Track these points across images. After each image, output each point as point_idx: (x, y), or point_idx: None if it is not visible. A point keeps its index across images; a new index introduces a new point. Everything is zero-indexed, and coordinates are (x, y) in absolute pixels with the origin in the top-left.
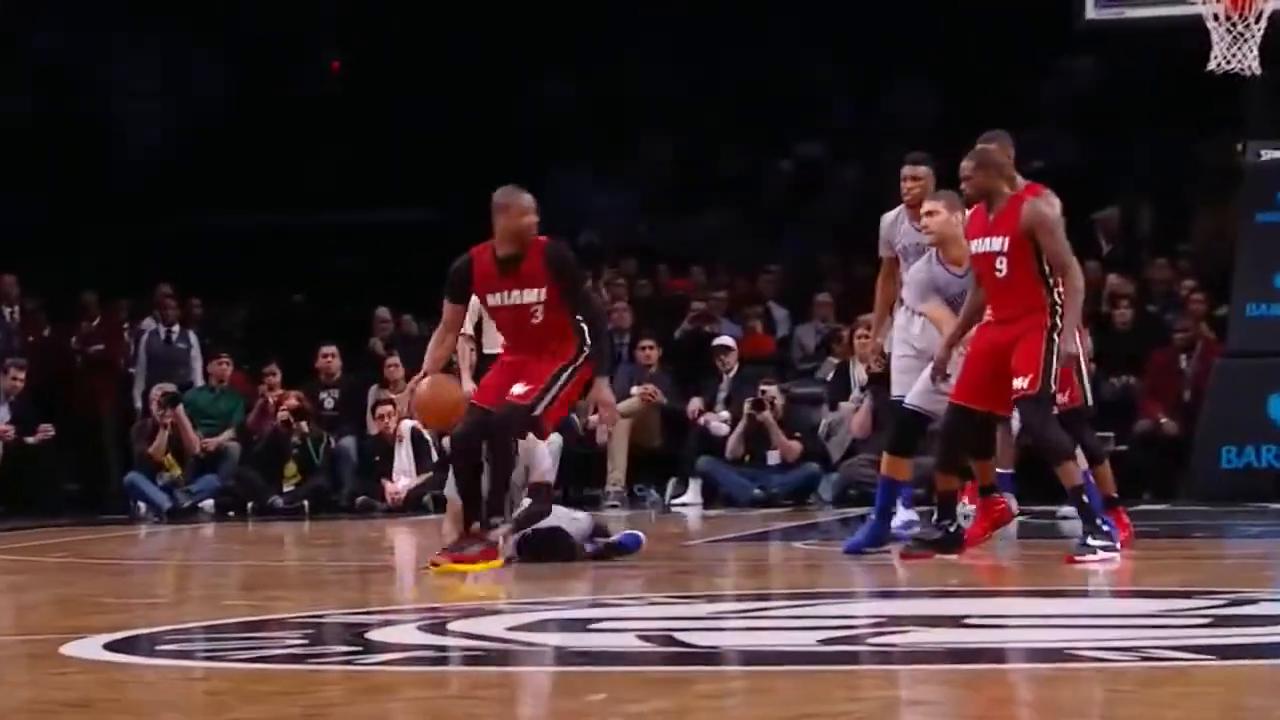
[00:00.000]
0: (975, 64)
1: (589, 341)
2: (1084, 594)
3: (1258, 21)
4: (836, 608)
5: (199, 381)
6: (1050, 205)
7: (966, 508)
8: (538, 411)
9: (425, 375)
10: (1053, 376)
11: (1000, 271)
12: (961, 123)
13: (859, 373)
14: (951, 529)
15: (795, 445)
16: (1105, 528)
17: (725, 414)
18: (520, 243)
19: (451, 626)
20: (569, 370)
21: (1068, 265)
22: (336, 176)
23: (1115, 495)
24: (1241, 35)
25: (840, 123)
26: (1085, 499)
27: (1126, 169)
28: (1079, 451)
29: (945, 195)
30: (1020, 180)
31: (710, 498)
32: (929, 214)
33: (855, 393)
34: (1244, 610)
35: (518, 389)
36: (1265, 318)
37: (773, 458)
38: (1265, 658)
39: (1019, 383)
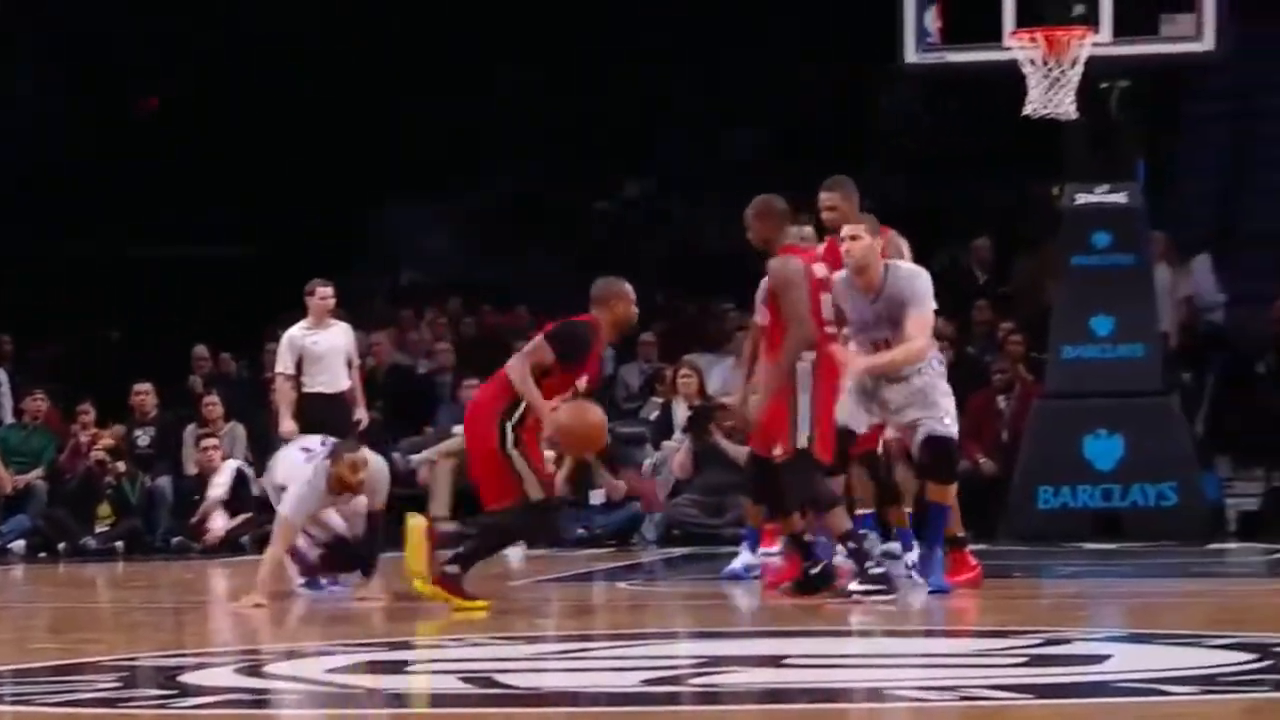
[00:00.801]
0: (804, 104)
1: None
2: (903, 634)
3: (1073, 66)
4: (659, 648)
5: (8, 419)
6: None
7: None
8: None
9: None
10: (802, 432)
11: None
12: (789, 163)
13: (681, 413)
14: (813, 570)
15: (620, 485)
16: (879, 570)
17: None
18: (622, 332)
19: (269, 669)
20: None
21: (792, 320)
22: (151, 210)
23: (961, 535)
24: (1058, 80)
25: (668, 161)
26: (853, 544)
27: (961, 210)
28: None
29: (868, 220)
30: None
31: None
32: (853, 238)
33: (677, 433)
34: (1059, 650)
35: None
36: (1081, 360)
37: (596, 497)
38: (1080, 697)
39: (775, 450)
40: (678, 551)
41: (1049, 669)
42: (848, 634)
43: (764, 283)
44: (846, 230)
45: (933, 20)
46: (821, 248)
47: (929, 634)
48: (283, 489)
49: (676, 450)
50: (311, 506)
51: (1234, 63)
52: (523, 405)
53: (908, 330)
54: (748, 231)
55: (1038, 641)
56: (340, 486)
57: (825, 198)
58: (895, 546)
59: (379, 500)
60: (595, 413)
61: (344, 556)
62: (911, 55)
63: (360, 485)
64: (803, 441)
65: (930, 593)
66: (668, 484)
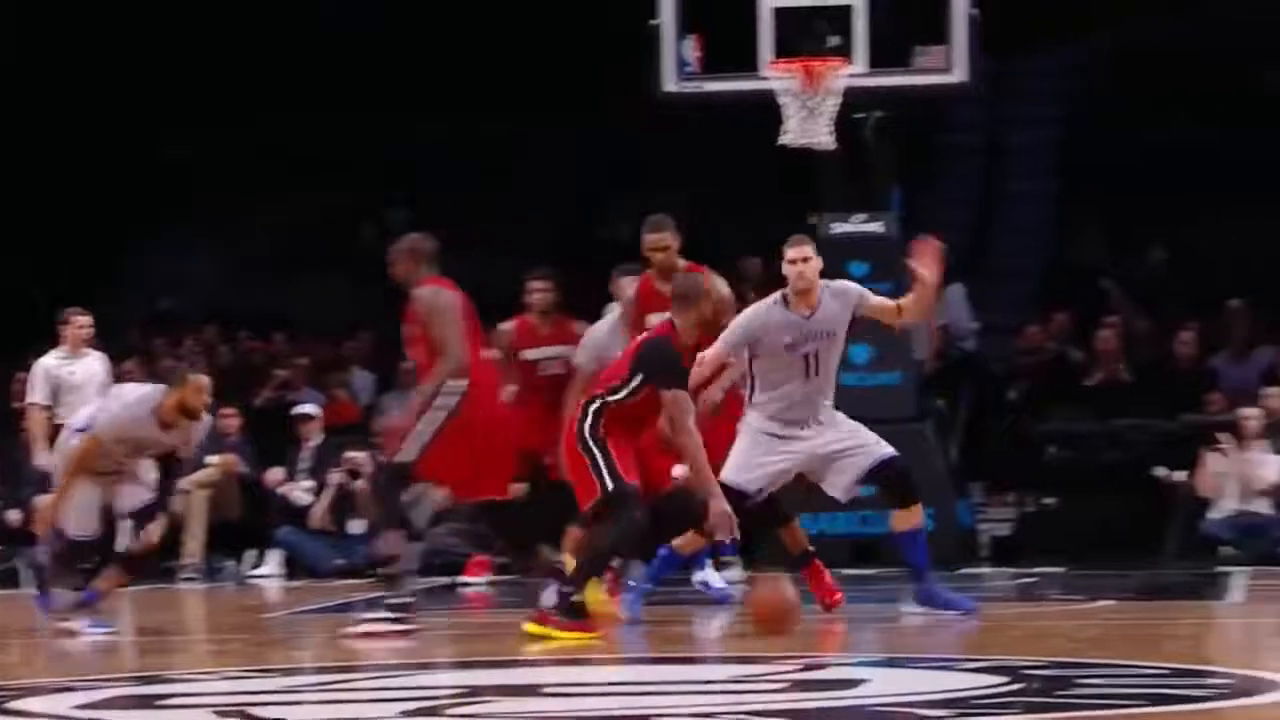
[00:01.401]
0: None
1: None
2: (662, 661)
3: (829, 97)
4: (418, 679)
5: None
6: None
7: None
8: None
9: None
10: (411, 448)
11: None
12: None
13: None
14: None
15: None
16: (403, 600)
17: (308, 483)
18: (710, 331)
19: (12, 705)
20: None
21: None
22: None
23: (810, 550)
24: (815, 110)
25: (428, 187)
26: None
27: (736, 236)
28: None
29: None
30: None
31: (292, 568)
32: (805, 260)
33: None
34: (817, 675)
35: (679, 470)
36: (840, 387)
37: (355, 526)
38: None
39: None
40: (439, 581)
41: (806, 694)
42: (607, 662)
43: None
44: (798, 252)
45: (691, 50)
46: (634, 285)
47: (688, 660)
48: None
49: None
50: (126, 430)
51: (986, 95)
52: (592, 417)
53: (881, 301)
54: (392, 267)
55: (796, 667)
56: (179, 414)
57: (655, 238)
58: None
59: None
60: (790, 592)
61: (78, 557)
62: (670, 85)
63: (203, 410)
64: (407, 456)
65: (963, 614)
66: (427, 513)
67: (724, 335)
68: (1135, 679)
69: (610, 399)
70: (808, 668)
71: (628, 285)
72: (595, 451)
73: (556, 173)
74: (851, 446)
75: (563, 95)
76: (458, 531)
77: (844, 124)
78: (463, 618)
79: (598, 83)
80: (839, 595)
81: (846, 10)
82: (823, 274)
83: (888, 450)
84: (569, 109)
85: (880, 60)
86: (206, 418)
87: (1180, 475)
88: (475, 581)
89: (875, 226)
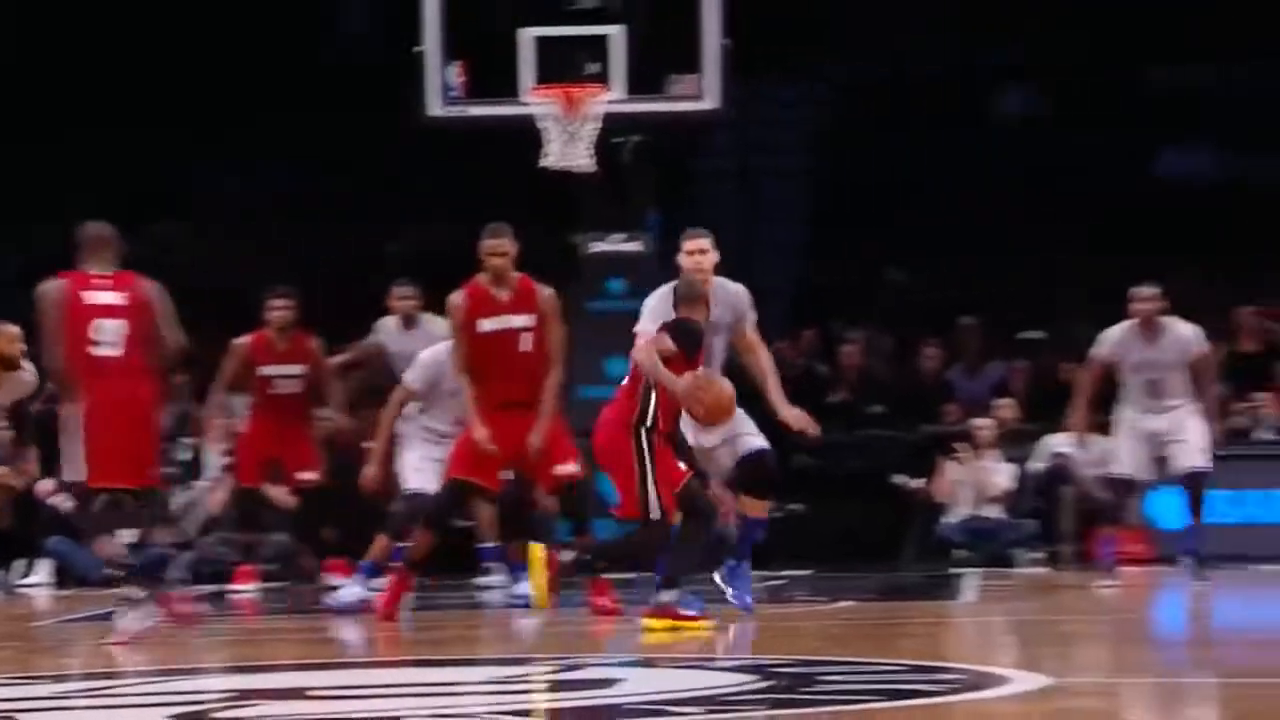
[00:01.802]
0: (339, 144)
1: None
2: (425, 664)
3: (588, 122)
4: (187, 683)
5: None
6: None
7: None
8: None
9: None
10: (75, 468)
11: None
12: (323, 202)
13: (215, 454)
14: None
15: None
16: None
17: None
18: None
19: None
20: None
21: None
22: None
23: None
24: (575, 135)
25: (200, 201)
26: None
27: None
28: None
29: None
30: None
31: (62, 577)
32: (703, 251)
33: (214, 472)
34: (574, 675)
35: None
36: (597, 399)
37: (125, 536)
38: (594, 719)
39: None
40: (208, 588)
41: (564, 694)
42: (373, 665)
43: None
44: (695, 244)
45: (455, 75)
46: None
47: (450, 663)
48: None
49: (210, 489)
50: None
51: (738, 121)
52: (651, 408)
53: (751, 336)
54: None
55: (556, 668)
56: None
57: (495, 244)
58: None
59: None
60: (726, 382)
61: None
62: (435, 109)
63: (19, 358)
64: (75, 476)
65: (742, 610)
66: (198, 522)
67: (643, 321)
68: (874, 675)
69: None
70: (566, 668)
71: (398, 299)
72: (648, 466)
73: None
74: (730, 436)
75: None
76: (226, 540)
77: (603, 148)
78: (231, 624)
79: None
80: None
81: (604, 39)
82: (583, 290)
83: (761, 442)
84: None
85: (637, 87)
86: (30, 366)
87: (919, 483)
88: (244, 589)
89: (633, 245)
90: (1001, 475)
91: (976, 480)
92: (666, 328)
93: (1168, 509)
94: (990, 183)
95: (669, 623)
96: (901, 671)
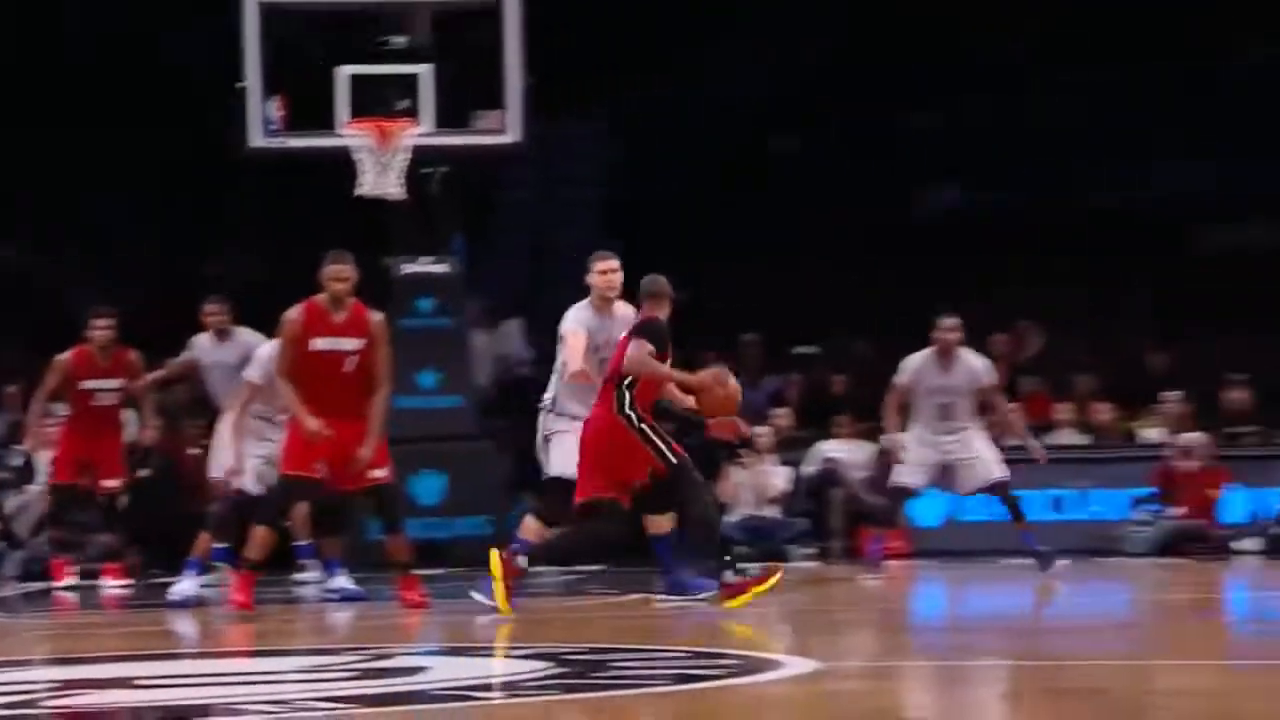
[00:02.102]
0: (166, 171)
1: None
2: (249, 654)
3: (399, 153)
4: (15, 675)
5: None
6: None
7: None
8: None
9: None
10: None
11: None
12: (156, 234)
13: (44, 459)
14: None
15: None
16: None
17: None
18: None
19: None
20: None
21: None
22: None
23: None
24: (387, 165)
25: (32, 228)
26: None
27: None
28: None
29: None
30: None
31: None
32: (613, 270)
33: (44, 477)
34: (384, 664)
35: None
36: (409, 409)
37: None
38: (398, 705)
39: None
40: (37, 586)
41: (374, 681)
42: (197, 656)
43: None
44: (607, 265)
45: (275, 109)
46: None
47: (266, 654)
48: None
49: (41, 493)
50: None
51: (537, 154)
52: (629, 401)
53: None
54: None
55: (366, 657)
56: None
57: (338, 270)
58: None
59: None
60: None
61: None
62: (257, 140)
63: None
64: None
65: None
66: (29, 524)
67: (569, 326)
68: (660, 661)
69: (627, 382)
70: (376, 657)
71: (209, 314)
72: (645, 429)
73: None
74: None
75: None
76: (51, 538)
77: (412, 177)
78: (58, 619)
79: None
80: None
81: (414, 77)
82: (395, 309)
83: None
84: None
85: (444, 122)
86: None
87: None
88: (62, 585)
89: (440, 267)
90: (778, 478)
91: (756, 483)
92: (641, 331)
93: (926, 511)
94: (768, 213)
95: (744, 597)
96: (684, 658)
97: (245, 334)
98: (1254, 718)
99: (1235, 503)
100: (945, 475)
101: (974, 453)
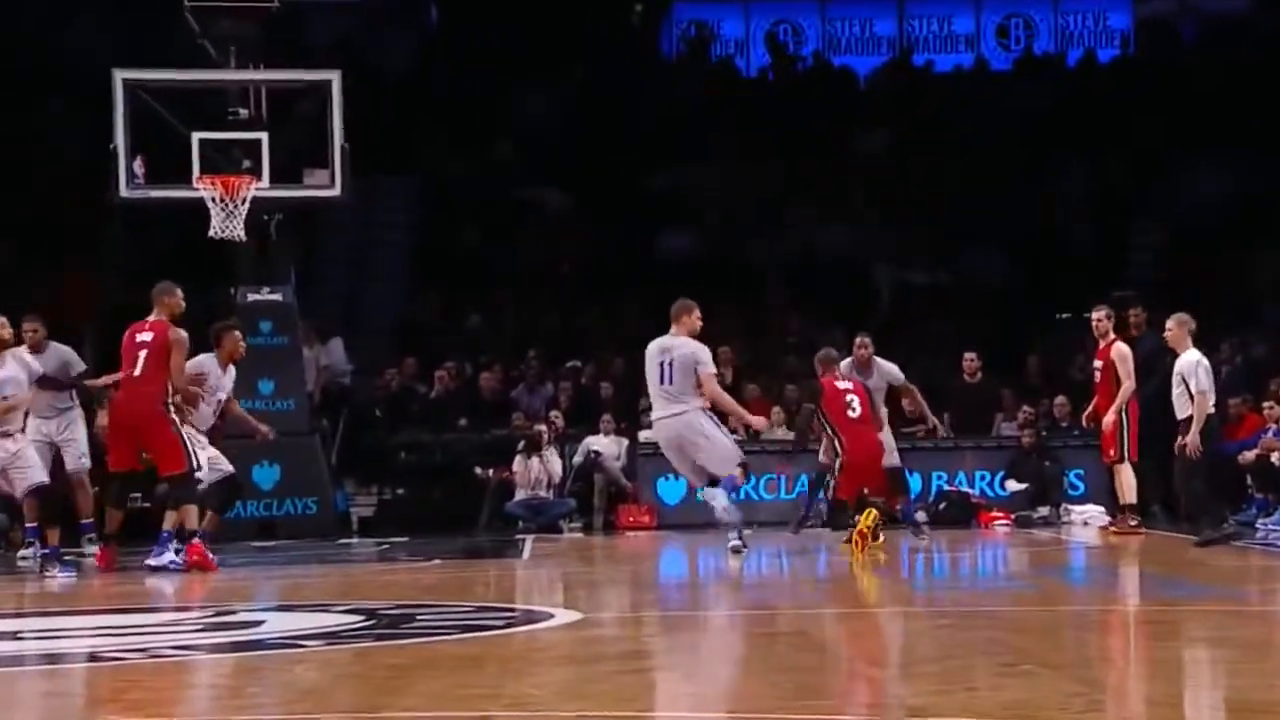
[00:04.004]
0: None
1: None
2: (110, 611)
3: (243, 203)
4: None
5: None
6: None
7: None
8: None
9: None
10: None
11: None
12: (36, 270)
13: None
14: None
15: None
16: None
17: None
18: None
19: None
20: None
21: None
22: None
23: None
24: (233, 213)
25: None
26: None
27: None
28: None
29: None
30: None
31: None
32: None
33: None
34: (227, 619)
35: None
36: (252, 410)
37: None
38: (239, 651)
39: None
40: None
41: (219, 633)
42: (78, 613)
43: None
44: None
45: (139, 165)
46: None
47: (123, 610)
48: None
49: None
50: None
51: (358, 205)
52: None
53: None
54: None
55: (212, 613)
56: None
57: (177, 300)
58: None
59: None
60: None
61: None
62: (124, 191)
63: None
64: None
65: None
66: None
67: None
68: (456, 615)
69: None
70: (220, 614)
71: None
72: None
73: None
74: None
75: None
76: None
77: (255, 222)
78: None
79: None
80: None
81: (256, 141)
82: (242, 331)
83: None
84: None
85: (280, 177)
86: None
87: (490, 472)
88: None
89: (276, 296)
90: (554, 466)
91: (536, 469)
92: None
93: (670, 490)
94: (539, 259)
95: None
96: (474, 611)
97: (58, 349)
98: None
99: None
100: None
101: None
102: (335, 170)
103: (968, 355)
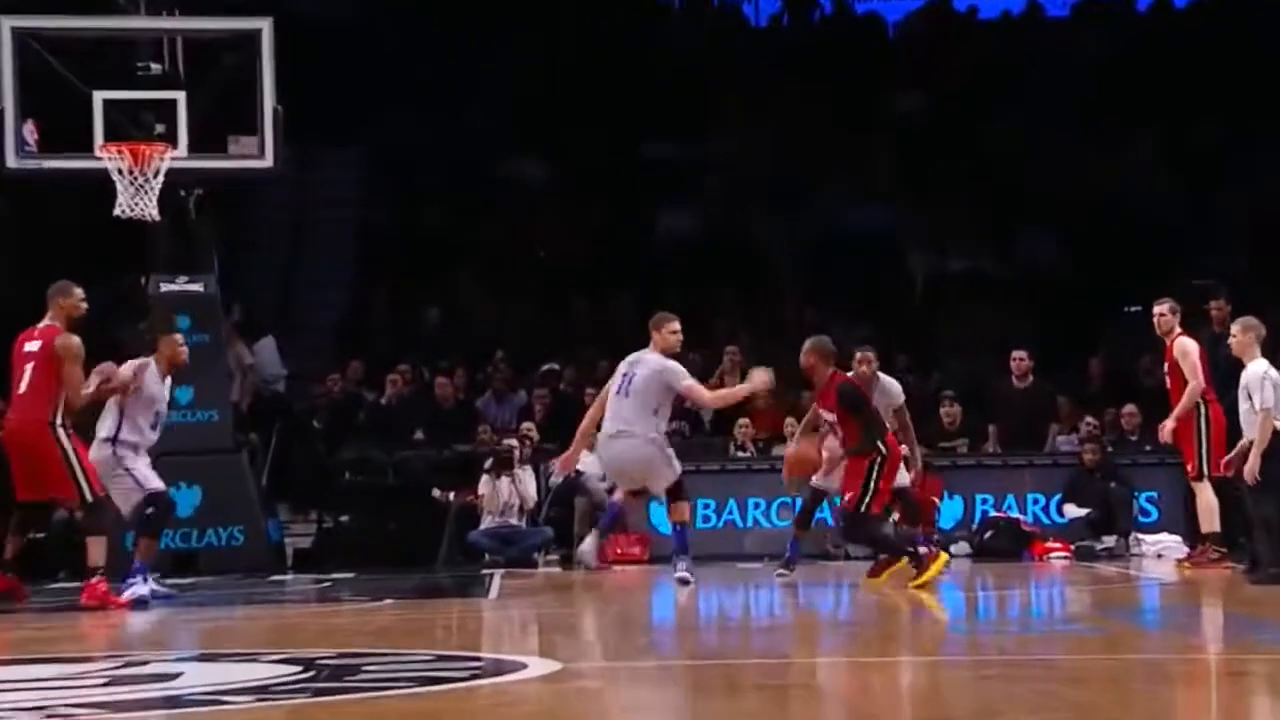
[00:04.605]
0: None
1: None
2: (9, 662)
3: (156, 176)
4: None
5: None
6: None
7: None
8: None
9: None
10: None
11: None
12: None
13: None
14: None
15: None
16: None
17: None
18: None
19: None
20: None
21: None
22: None
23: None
24: (143, 187)
25: None
26: None
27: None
28: None
29: None
30: None
31: None
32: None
33: None
34: (137, 671)
35: None
36: (166, 424)
37: None
38: (152, 710)
39: None
40: None
41: (127, 687)
42: None
43: None
44: (676, 325)
45: (30, 131)
46: None
47: (15, 662)
48: None
49: None
50: None
51: (293, 178)
52: None
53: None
54: None
55: (120, 664)
56: None
57: (74, 301)
58: None
59: None
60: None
61: None
62: (12, 161)
63: None
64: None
65: None
66: None
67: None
68: (410, 665)
69: None
70: (128, 664)
71: None
72: None
73: None
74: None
75: None
76: None
77: (170, 199)
78: None
79: None
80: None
81: (171, 103)
82: (157, 326)
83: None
84: None
85: (200, 146)
86: None
87: (452, 495)
88: None
89: (197, 286)
90: (528, 487)
91: (507, 492)
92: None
93: (663, 517)
94: (511, 242)
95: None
96: (433, 661)
97: None
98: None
99: (949, 509)
100: None
101: None
102: (266, 137)
103: (1017, 354)
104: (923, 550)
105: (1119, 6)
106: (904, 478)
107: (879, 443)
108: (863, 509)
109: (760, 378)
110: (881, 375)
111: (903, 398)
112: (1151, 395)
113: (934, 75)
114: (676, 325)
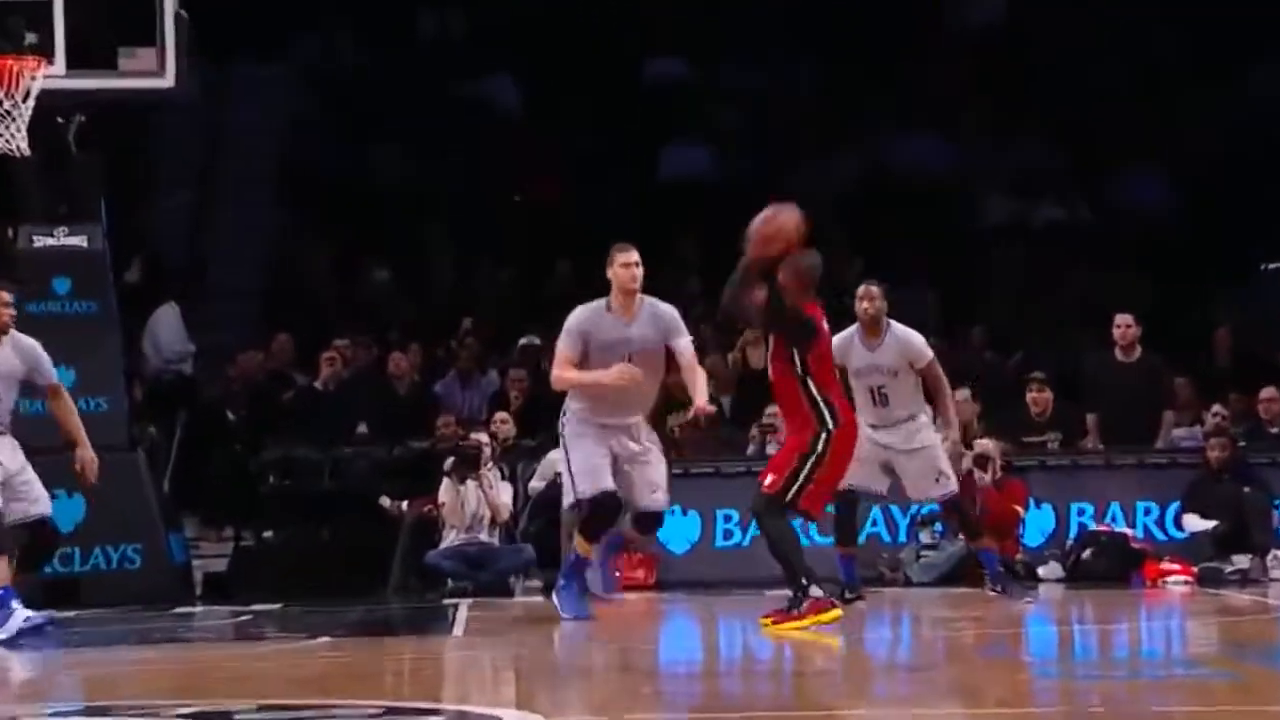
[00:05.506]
0: None
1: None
2: None
3: (26, 100)
4: None
5: None
6: None
7: None
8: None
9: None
10: None
11: None
12: None
13: None
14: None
15: None
16: None
17: None
18: None
19: None
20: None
21: None
22: None
23: None
24: (9, 114)
25: None
26: None
27: None
28: None
29: None
30: None
31: None
32: (638, 264)
33: None
34: None
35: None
36: (39, 415)
37: None
38: None
39: None
40: None
41: None
42: None
43: None
44: (628, 257)
45: None
46: None
47: None
48: None
49: None
50: None
51: (203, 103)
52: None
53: (689, 355)
54: None
55: None
56: None
57: None
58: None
59: None
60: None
61: None
62: None
63: None
64: None
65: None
66: None
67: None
68: None
69: None
70: None
71: None
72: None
73: None
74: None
75: None
76: None
77: (44, 129)
78: None
79: None
80: None
81: (46, 6)
82: (26, 291)
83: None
84: None
85: (83, 61)
86: None
87: (405, 504)
88: None
89: (79, 240)
90: (500, 495)
91: (474, 501)
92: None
93: (675, 535)
94: (480, 185)
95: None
96: (382, 715)
97: None
98: None
99: (1035, 521)
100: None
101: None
102: (167, 50)
103: (1121, 318)
104: (815, 594)
105: None
106: (948, 484)
107: (828, 415)
108: (787, 499)
109: (625, 371)
110: (895, 324)
111: (929, 353)
112: None
113: None
114: (630, 257)
